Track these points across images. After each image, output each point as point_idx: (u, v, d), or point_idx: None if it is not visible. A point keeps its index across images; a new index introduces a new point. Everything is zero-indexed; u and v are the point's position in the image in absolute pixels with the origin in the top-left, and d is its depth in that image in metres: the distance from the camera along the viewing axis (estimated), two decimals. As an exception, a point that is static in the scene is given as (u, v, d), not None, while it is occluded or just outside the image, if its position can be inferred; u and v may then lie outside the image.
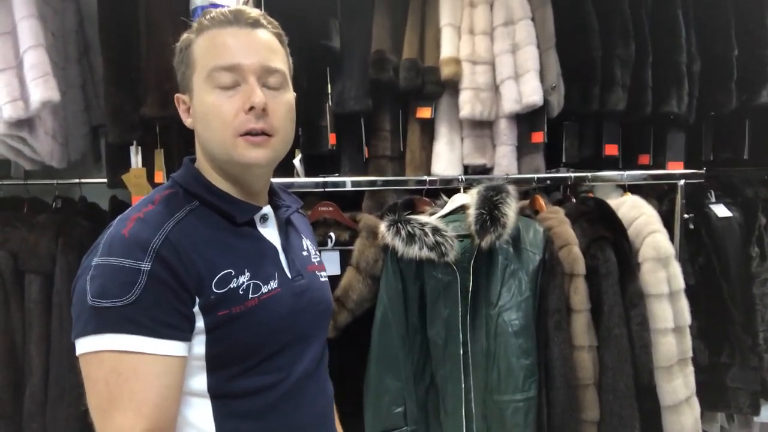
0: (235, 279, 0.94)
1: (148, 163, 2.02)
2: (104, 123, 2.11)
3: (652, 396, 1.75)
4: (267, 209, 1.07)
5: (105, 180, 2.11)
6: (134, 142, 2.00)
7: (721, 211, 2.28)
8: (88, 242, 0.95)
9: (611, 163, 2.31)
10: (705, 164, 2.35)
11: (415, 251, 1.63)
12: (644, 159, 2.39)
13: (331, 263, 1.80)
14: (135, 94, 1.96)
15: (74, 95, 2.15)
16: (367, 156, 2.15)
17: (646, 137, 2.38)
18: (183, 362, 0.90)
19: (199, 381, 0.94)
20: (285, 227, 1.11)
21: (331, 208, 1.83)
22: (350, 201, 2.02)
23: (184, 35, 1.04)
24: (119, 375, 0.84)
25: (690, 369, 1.82)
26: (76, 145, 2.17)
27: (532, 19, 2.09)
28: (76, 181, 2.15)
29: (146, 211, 0.94)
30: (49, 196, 2.19)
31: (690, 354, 1.82)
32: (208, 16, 1.01)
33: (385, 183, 2.01)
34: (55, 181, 2.12)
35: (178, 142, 2.04)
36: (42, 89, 1.78)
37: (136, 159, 2.00)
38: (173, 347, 0.88)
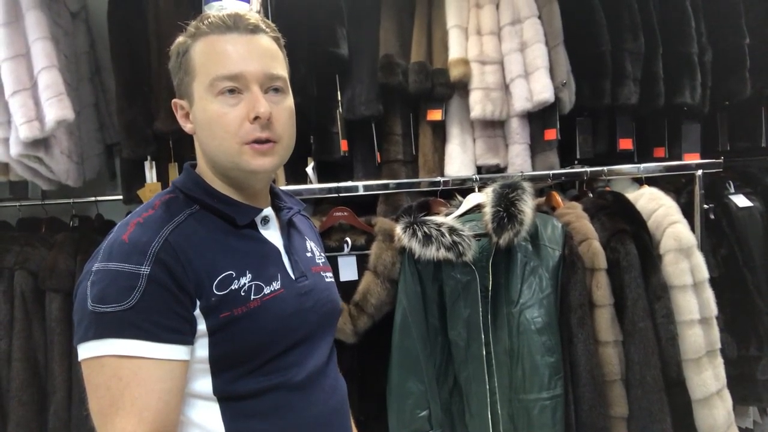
0: (236, 280, 0.94)
1: (163, 177, 2.03)
2: (118, 142, 2.13)
3: (682, 390, 1.71)
4: (268, 211, 1.06)
5: (121, 197, 2.13)
6: (148, 157, 2.01)
7: (741, 201, 2.24)
8: (106, 258, 0.94)
9: (626, 158, 2.28)
10: (721, 154, 2.32)
11: (432, 252, 1.61)
12: (659, 152, 2.37)
13: (348, 268, 1.79)
14: (148, 109, 1.98)
15: (88, 115, 2.18)
16: (379, 161, 2.15)
17: (661, 130, 2.37)
18: (184, 366, 0.90)
19: (204, 383, 0.93)
20: (287, 229, 1.10)
21: (346, 213, 1.82)
22: (365, 206, 2.01)
23: (180, 38, 1.01)
24: (120, 380, 0.84)
25: (719, 360, 1.78)
26: (92, 164, 2.20)
27: (539, 17, 2.09)
28: (93, 199, 2.17)
29: (146, 216, 0.94)
30: (66, 216, 2.21)
31: (718, 345, 1.78)
32: (206, 21, 0.99)
33: (399, 186, 1.99)
34: (71, 200, 2.13)
35: (192, 155, 2.05)
36: (56, 109, 1.80)
37: (150, 174, 2.02)
38: (174, 351, 0.87)
